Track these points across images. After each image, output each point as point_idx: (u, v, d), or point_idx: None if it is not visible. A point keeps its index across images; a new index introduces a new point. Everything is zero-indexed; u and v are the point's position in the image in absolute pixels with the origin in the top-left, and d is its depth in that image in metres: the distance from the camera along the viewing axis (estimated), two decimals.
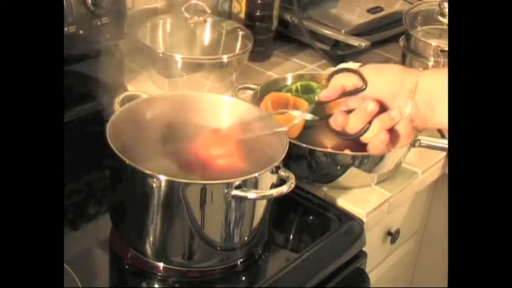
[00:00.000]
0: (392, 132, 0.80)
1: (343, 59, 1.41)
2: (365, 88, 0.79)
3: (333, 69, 0.84)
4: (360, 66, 0.83)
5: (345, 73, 0.80)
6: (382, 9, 1.55)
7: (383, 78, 0.80)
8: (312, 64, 1.47)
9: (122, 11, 1.21)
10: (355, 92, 0.80)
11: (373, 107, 0.79)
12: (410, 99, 0.78)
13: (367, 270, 1.05)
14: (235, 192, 0.83)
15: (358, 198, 1.06)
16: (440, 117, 0.78)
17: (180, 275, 0.89)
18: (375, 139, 0.79)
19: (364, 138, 0.80)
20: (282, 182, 0.87)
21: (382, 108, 0.80)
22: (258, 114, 0.97)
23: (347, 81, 0.80)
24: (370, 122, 0.79)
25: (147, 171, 0.83)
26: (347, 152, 1.03)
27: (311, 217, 1.05)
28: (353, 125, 0.80)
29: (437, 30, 1.37)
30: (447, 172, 1.20)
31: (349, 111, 0.80)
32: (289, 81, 1.22)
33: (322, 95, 0.82)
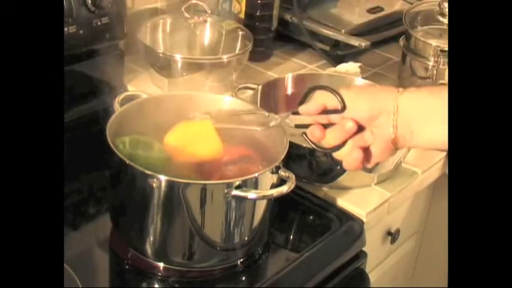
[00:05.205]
0: (366, 151, 0.82)
1: (343, 59, 1.41)
2: (344, 110, 0.80)
3: (314, 86, 0.85)
4: (338, 89, 0.83)
5: (327, 92, 0.81)
6: (382, 9, 1.55)
7: (363, 101, 0.81)
8: (312, 64, 1.47)
9: (122, 11, 1.21)
10: (334, 112, 0.81)
11: (351, 126, 0.80)
12: (391, 120, 0.79)
13: (367, 270, 1.05)
14: (235, 192, 0.83)
15: (358, 198, 1.06)
16: (420, 138, 0.80)
17: (180, 275, 0.89)
18: (348, 156, 0.81)
19: (336, 155, 0.82)
20: (282, 182, 0.87)
21: (360, 128, 0.81)
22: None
23: (329, 100, 0.81)
24: (345, 141, 0.81)
25: (147, 171, 0.83)
26: None
27: (311, 217, 1.05)
28: (329, 141, 0.82)
29: (437, 30, 1.37)
30: (447, 172, 1.20)
31: (327, 125, 0.82)
32: (289, 81, 1.21)
33: (302, 108, 0.83)
